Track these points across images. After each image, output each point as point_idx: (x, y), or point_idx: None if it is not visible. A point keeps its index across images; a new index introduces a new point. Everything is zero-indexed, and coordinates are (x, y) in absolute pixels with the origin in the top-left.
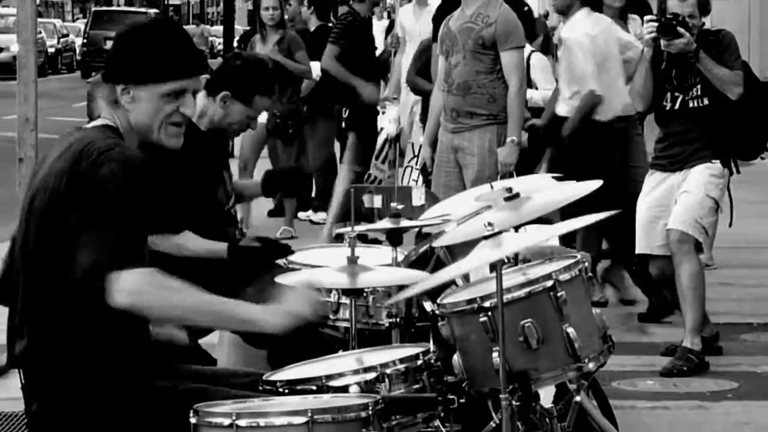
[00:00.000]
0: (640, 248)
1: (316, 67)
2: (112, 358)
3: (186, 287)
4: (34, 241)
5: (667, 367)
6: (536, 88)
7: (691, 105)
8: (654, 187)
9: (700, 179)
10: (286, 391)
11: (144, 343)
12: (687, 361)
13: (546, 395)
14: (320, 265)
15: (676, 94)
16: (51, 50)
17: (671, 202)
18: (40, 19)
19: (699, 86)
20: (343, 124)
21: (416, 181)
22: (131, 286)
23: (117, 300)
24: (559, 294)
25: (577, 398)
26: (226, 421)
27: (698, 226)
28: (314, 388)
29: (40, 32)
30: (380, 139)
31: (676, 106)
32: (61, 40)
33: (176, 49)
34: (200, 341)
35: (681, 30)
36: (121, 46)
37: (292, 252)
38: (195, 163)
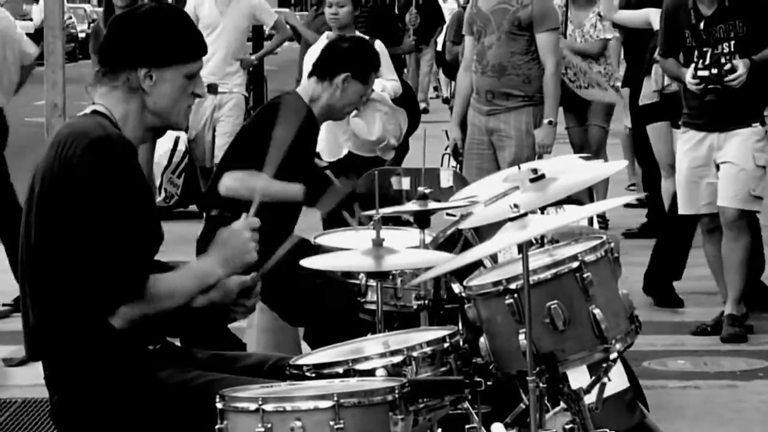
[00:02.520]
0: (684, 209)
1: None
2: (125, 349)
3: (172, 284)
4: (34, 234)
5: (726, 335)
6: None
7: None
8: (693, 146)
9: (744, 149)
10: (313, 375)
11: (159, 332)
12: (741, 327)
13: (581, 378)
14: (346, 248)
15: (705, 49)
16: (81, 35)
17: (711, 161)
18: (70, 4)
19: (732, 44)
20: None
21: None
22: (128, 317)
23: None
24: (585, 275)
25: (605, 379)
26: (252, 406)
27: (752, 197)
28: (341, 371)
29: (71, 17)
30: (171, 148)
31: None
32: (92, 25)
33: (194, 30)
34: (229, 325)
35: (729, 77)
36: (135, 31)
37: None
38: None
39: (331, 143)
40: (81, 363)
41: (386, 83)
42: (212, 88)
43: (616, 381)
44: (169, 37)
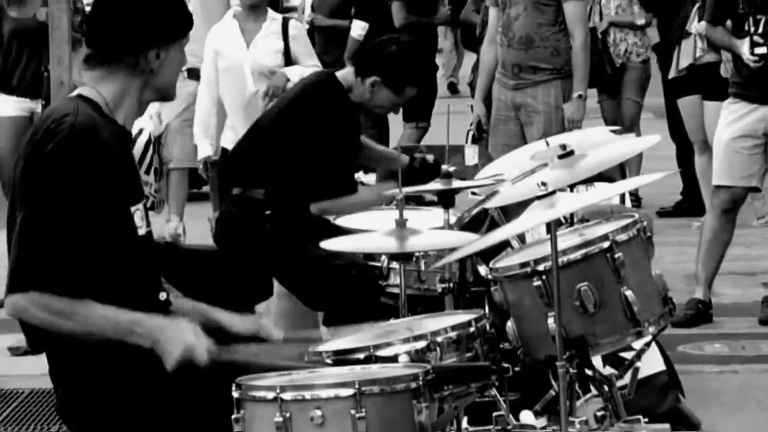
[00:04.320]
0: (719, 179)
1: (358, 26)
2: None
3: (78, 309)
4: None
5: (765, 317)
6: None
7: None
8: (740, 117)
9: None
10: (333, 361)
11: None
12: None
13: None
14: (368, 229)
15: (759, 17)
16: (89, 8)
17: (761, 134)
18: None
19: None
20: None
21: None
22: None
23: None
24: (616, 255)
25: (638, 364)
26: (270, 395)
27: None
28: (362, 358)
29: None
30: (140, 142)
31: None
32: None
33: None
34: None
35: None
36: (136, 14)
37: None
38: (349, 130)
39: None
40: (85, 354)
41: (304, 71)
42: (194, 73)
43: (649, 364)
44: (171, 14)
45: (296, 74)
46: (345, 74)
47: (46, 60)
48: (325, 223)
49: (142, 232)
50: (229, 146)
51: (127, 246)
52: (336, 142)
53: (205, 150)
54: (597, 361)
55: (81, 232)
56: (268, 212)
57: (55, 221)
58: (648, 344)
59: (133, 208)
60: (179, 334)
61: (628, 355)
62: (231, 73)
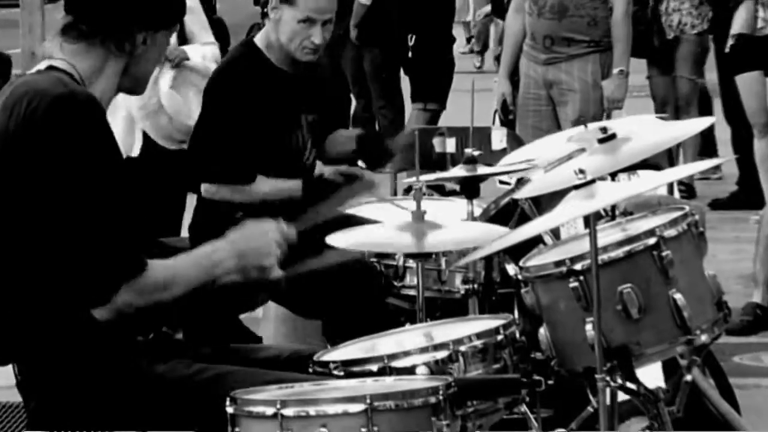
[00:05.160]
0: None
1: None
2: (113, 343)
3: (171, 272)
4: None
5: None
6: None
7: None
8: None
9: None
10: (341, 373)
11: (151, 322)
12: None
13: (654, 374)
14: (382, 222)
15: None
16: None
17: None
18: None
19: None
20: (410, 54)
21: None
22: (115, 307)
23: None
24: (663, 253)
25: (689, 377)
26: (270, 410)
27: None
28: (374, 369)
29: None
30: None
31: None
32: None
33: None
34: (242, 316)
35: None
36: None
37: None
38: (263, 102)
39: (125, 132)
40: (62, 362)
41: (205, 50)
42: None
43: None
44: None
45: (197, 53)
46: (261, 33)
47: None
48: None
49: None
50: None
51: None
52: (262, 116)
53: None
54: (656, 373)
55: (122, 203)
56: (239, 214)
57: (108, 204)
58: (700, 354)
59: None
60: (259, 233)
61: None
62: None
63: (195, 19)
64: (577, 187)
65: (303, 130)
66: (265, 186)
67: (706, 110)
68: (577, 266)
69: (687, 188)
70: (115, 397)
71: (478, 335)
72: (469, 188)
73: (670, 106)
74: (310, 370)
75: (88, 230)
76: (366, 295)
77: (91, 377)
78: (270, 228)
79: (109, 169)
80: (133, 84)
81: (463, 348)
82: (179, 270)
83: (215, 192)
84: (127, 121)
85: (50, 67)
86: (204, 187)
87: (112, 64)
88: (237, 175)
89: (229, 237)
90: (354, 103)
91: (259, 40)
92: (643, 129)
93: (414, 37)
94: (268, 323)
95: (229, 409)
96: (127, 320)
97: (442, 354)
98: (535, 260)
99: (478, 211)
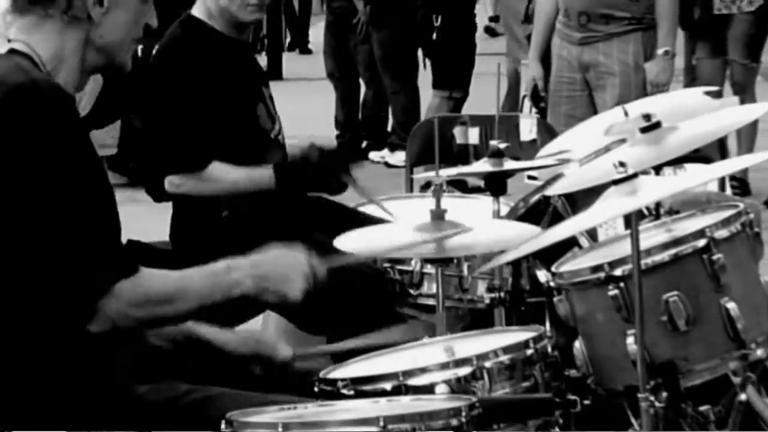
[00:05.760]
0: None
1: None
2: (86, 361)
3: (180, 284)
4: None
5: None
6: None
7: None
8: None
9: None
10: (351, 392)
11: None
12: None
13: None
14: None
15: None
16: None
17: None
18: None
19: None
20: (434, 36)
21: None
22: (109, 319)
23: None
24: (714, 257)
25: (743, 396)
26: None
27: None
28: (388, 388)
29: None
30: None
31: None
32: None
33: None
34: (237, 329)
35: None
36: None
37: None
38: (220, 75)
39: None
40: (33, 381)
41: None
42: None
43: None
44: None
45: None
46: (198, 4)
47: None
48: (334, 212)
49: None
50: None
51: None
52: (222, 91)
53: None
54: None
55: (98, 201)
56: (225, 213)
57: (82, 205)
58: (755, 371)
59: None
60: (287, 260)
61: None
62: None
63: None
64: (616, 182)
65: (267, 101)
66: (233, 174)
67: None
68: (617, 272)
69: (740, 183)
70: (90, 422)
71: (505, 350)
72: (495, 184)
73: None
74: (316, 389)
75: (62, 234)
76: (378, 306)
77: (66, 398)
78: (300, 259)
79: (79, 166)
80: (103, 58)
81: (488, 364)
82: (188, 283)
83: (179, 185)
84: None
85: (10, 51)
86: (167, 183)
87: (71, 37)
88: (194, 161)
89: (252, 257)
90: (363, 89)
91: (197, 11)
92: (691, 116)
93: (440, 17)
94: (269, 335)
95: None
96: (127, 334)
97: (464, 371)
98: (570, 265)
99: (504, 210)
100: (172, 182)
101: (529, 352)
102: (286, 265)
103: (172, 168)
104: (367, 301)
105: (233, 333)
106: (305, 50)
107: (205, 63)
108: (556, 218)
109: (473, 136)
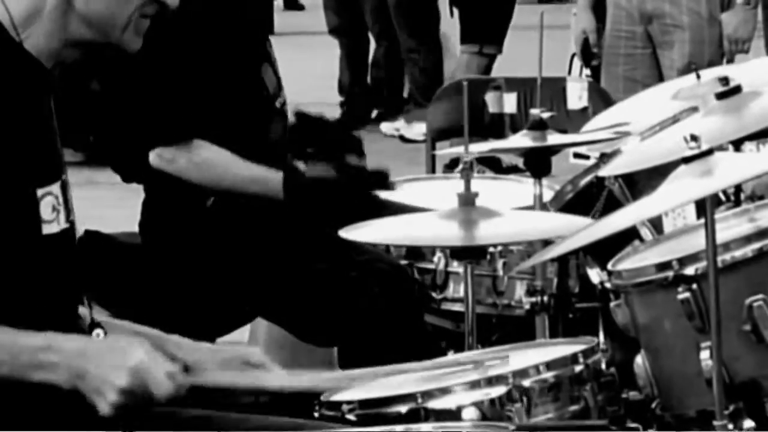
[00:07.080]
0: None
1: None
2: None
3: None
4: None
5: None
6: None
7: None
8: None
9: None
10: (358, 417)
11: None
12: None
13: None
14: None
15: None
16: None
17: None
18: None
19: None
20: None
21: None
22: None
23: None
24: None
25: None
26: None
27: None
28: (404, 411)
29: None
30: None
31: None
32: None
33: None
34: (220, 340)
35: None
36: None
37: (391, 183)
38: (221, 25)
39: None
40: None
41: None
42: None
43: None
44: None
45: None
46: None
47: None
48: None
49: (53, 229)
50: None
51: (28, 246)
52: (225, 46)
53: None
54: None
55: None
56: (210, 200)
57: None
58: None
59: (40, 191)
60: (120, 357)
61: None
62: None
63: None
64: (686, 160)
65: (271, 59)
66: (237, 166)
67: None
68: (689, 270)
69: None
70: (91, 422)
71: (549, 365)
72: (537, 163)
73: None
74: (316, 413)
75: None
76: (395, 312)
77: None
78: (137, 362)
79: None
80: (91, 32)
81: (526, 383)
82: None
83: (170, 160)
84: None
85: None
86: (154, 157)
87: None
88: (188, 129)
89: (82, 344)
90: (373, 46)
91: None
92: None
93: None
94: (255, 351)
95: None
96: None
97: (498, 391)
98: (629, 262)
99: (548, 195)
100: (162, 156)
101: (578, 368)
102: (112, 367)
103: (160, 138)
104: (385, 305)
105: (210, 347)
106: (293, 5)
107: (203, 7)
108: (612, 205)
109: (509, 103)
